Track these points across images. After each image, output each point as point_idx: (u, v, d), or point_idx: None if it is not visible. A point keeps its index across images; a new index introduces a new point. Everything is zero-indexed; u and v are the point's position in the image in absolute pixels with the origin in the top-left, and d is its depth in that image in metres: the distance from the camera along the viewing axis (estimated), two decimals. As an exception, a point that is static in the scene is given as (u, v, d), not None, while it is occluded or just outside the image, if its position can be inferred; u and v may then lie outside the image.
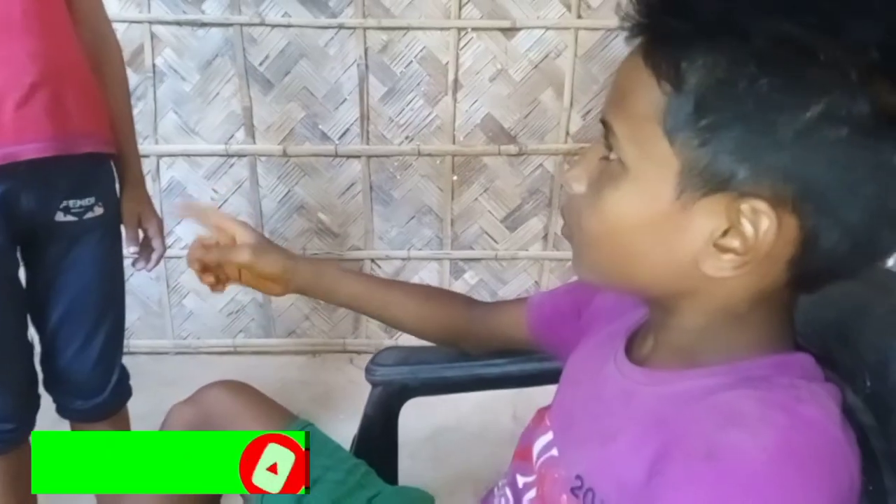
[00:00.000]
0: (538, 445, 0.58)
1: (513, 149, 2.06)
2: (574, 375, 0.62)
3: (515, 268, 2.21)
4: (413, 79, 2.02)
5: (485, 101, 2.04)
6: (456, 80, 2.01)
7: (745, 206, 0.42)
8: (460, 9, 1.95)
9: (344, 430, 1.94)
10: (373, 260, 2.20)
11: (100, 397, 1.20)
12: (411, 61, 2.00)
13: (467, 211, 2.15)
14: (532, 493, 0.56)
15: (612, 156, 0.47)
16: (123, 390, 1.24)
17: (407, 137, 2.08)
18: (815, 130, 0.39)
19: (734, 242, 0.43)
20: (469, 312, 0.84)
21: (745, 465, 0.38)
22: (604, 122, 0.48)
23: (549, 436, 0.58)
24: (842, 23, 0.38)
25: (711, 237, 0.44)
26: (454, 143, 2.07)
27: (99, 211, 1.11)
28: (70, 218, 1.08)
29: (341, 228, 2.18)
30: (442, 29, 1.97)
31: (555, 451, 0.56)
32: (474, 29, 1.97)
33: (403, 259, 2.20)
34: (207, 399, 0.86)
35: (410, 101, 2.04)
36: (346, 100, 2.04)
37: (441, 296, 0.87)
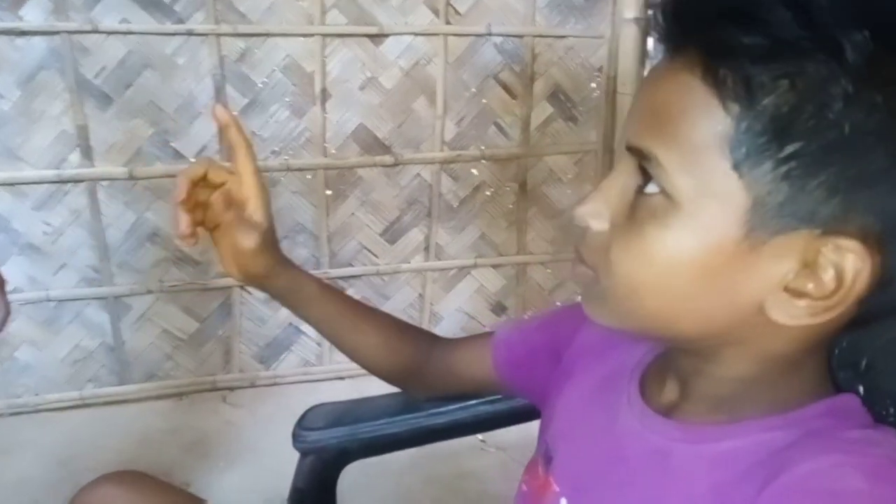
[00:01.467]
0: None
1: (388, 159, 1.98)
2: (574, 427, 0.56)
3: (398, 281, 2.13)
4: (276, 89, 1.87)
5: (356, 110, 1.94)
6: (324, 90, 1.88)
7: (829, 245, 0.38)
8: (323, 14, 1.83)
9: (226, 480, 1.76)
10: (242, 287, 2.01)
11: None
12: (273, 70, 1.85)
13: (344, 226, 2.03)
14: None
15: (652, 188, 0.41)
16: None
17: (273, 152, 1.92)
18: None
19: (809, 285, 0.39)
20: (431, 350, 0.75)
21: None
22: (636, 150, 0.42)
23: (562, 503, 0.51)
24: None
25: (783, 281, 0.39)
26: (325, 155, 1.95)
27: None
28: None
29: (204, 255, 1.97)
30: (305, 36, 1.84)
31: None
32: (340, 35, 1.86)
33: (277, 283, 2.03)
34: (99, 500, 0.70)
35: (275, 113, 1.89)
36: (201, 114, 1.84)
37: (408, 331, 0.78)
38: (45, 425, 1.93)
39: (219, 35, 1.78)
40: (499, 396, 0.77)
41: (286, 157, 1.92)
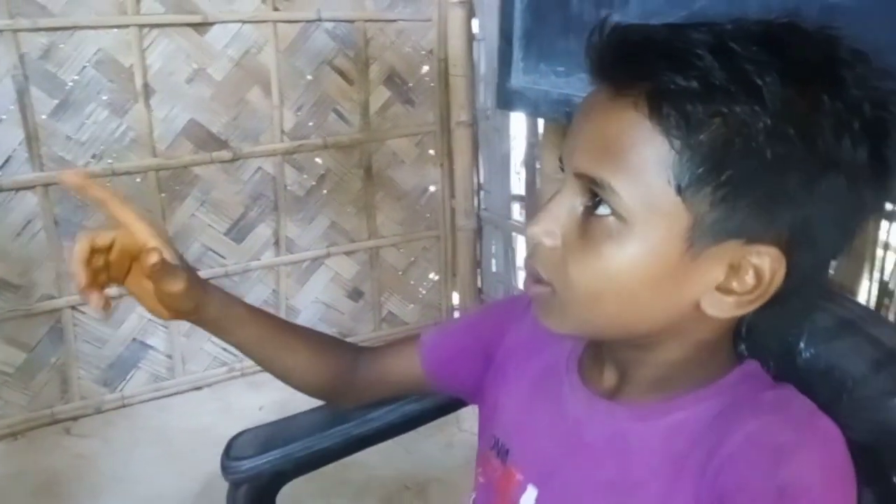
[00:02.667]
0: (525, 501, 0.55)
1: (226, 154, 1.89)
2: (522, 420, 0.60)
3: (249, 281, 2.05)
4: (91, 87, 1.70)
5: (185, 105, 1.82)
6: (146, 85, 1.75)
7: (752, 252, 0.45)
8: (138, 3, 1.68)
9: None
10: (74, 307, 1.83)
11: None
12: (85, 66, 1.68)
13: (184, 229, 1.91)
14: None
15: (603, 210, 0.46)
16: None
17: (94, 156, 1.75)
18: (822, 179, 0.43)
19: (735, 285, 0.46)
20: (356, 361, 0.75)
21: (811, 494, 0.43)
22: (587, 177, 0.47)
23: (532, 492, 0.56)
24: (843, 81, 0.43)
25: (715, 282, 0.46)
26: (155, 155, 1.81)
27: None
28: None
29: (23, 278, 1.76)
30: (118, 27, 1.68)
31: (553, 504, 0.54)
32: (158, 25, 1.73)
33: (114, 297, 1.86)
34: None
35: (92, 114, 1.72)
36: (1, 120, 1.63)
37: (334, 344, 0.76)
38: None
39: (16, 31, 1.59)
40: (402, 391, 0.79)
41: (110, 161, 1.77)
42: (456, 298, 2.37)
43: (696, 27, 0.45)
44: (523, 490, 0.56)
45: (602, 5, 1.29)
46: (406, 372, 0.73)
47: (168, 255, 0.60)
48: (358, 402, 0.78)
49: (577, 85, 1.37)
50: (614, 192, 0.45)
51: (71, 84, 1.68)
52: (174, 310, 0.62)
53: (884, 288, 1.09)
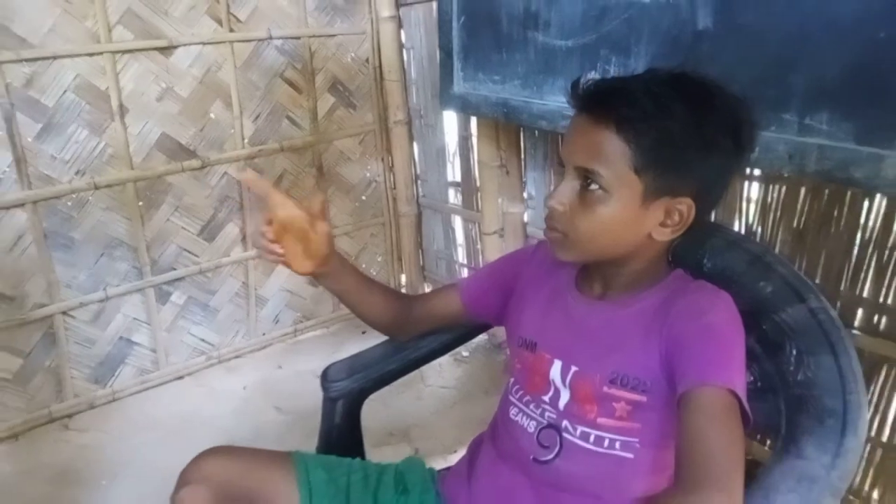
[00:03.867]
0: (554, 372, 0.88)
1: (195, 163, 2.09)
2: (543, 324, 0.92)
3: (221, 275, 2.26)
4: (71, 110, 1.86)
5: (156, 121, 2.00)
6: (121, 105, 1.92)
7: (678, 202, 0.80)
8: (109, 32, 1.86)
9: (117, 492, 1.84)
10: (65, 312, 1.98)
11: None
12: (65, 92, 1.84)
13: (161, 233, 2.10)
14: (565, 399, 0.87)
15: (594, 187, 0.80)
16: None
17: (78, 172, 1.91)
18: (710, 158, 0.78)
19: (668, 221, 0.81)
20: (410, 305, 1.06)
21: (719, 306, 0.80)
22: (583, 169, 0.80)
23: (557, 364, 0.89)
24: (714, 102, 0.78)
25: (658, 220, 0.81)
26: (132, 168, 1.99)
27: None
28: None
29: (16, 290, 1.90)
30: (93, 54, 1.85)
31: (576, 368, 0.87)
32: (129, 51, 1.90)
33: (101, 300, 2.04)
34: (211, 474, 0.90)
35: (73, 134, 1.88)
36: (-9, 144, 1.77)
37: (394, 293, 1.09)
38: None
39: (0, 63, 1.72)
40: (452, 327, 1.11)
41: (92, 176, 1.93)
42: (403, 278, 2.68)
43: (634, 79, 0.81)
44: (552, 364, 0.89)
45: (527, 27, 1.63)
46: (448, 309, 1.05)
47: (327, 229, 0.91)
48: (410, 334, 1.09)
49: (511, 90, 1.70)
50: (600, 175, 0.79)
51: (53, 108, 1.83)
52: (316, 259, 0.91)
53: (748, 224, 1.53)
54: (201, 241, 2.19)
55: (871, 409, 1.43)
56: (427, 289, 2.66)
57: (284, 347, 2.48)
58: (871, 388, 1.42)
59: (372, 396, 1.11)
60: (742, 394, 0.74)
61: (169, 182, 2.07)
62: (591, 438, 0.85)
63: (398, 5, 2.29)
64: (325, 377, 1.05)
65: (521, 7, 1.61)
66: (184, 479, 0.92)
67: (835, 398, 0.77)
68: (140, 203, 2.04)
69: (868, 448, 1.47)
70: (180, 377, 2.27)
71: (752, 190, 1.52)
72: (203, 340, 2.30)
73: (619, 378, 0.83)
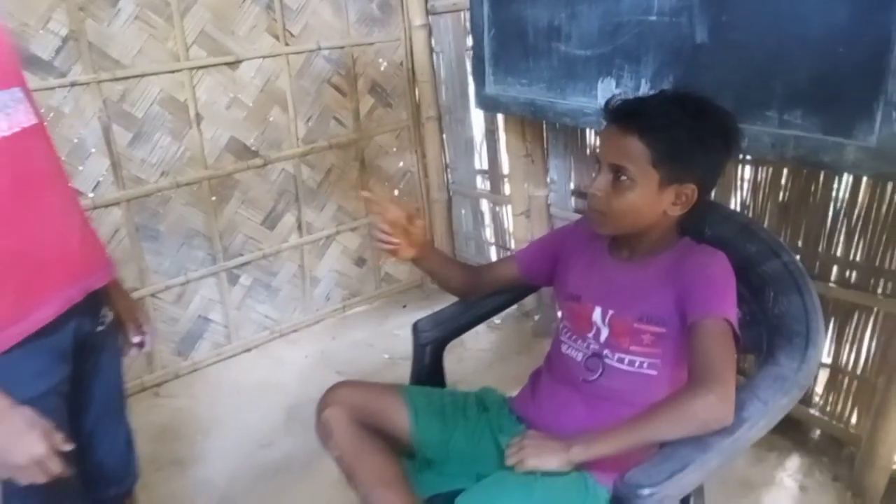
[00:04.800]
0: (595, 315, 1.19)
1: (258, 161, 2.39)
2: (585, 282, 1.23)
3: (280, 259, 2.57)
4: (157, 120, 2.15)
5: (226, 126, 2.30)
6: (197, 114, 2.22)
7: (685, 187, 1.10)
8: (187, 51, 2.15)
9: (213, 445, 2.15)
10: (153, 295, 2.30)
11: (129, 478, 1.32)
12: (152, 104, 2.13)
13: (230, 224, 2.41)
14: (605, 334, 1.18)
15: (623, 178, 1.10)
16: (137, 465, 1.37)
17: (163, 174, 2.21)
18: (709, 154, 1.09)
19: (678, 201, 1.12)
20: (478, 273, 1.38)
21: (717, 262, 1.10)
22: (615, 166, 1.10)
23: (598, 310, 1.19)
24: (710, 114, 1.08)
25: (670, 201, 1.11)
26: (206, 168, 2.29)
27: (110, 316, 1.22)
28: (101, 328, 1.18)
29: (113, 276, 2.21)
30: (174, 71, 2.14)
31: (612, 311, 1.18)
32: (203, 67, 2.20)
33: (182, 284, 2.35)
34: (344, 398, 1.21)
35: (158, 141, 2.18)
36: (92, 153, 2.07)
37: (466, 266, 1.41)
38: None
39: (100, 82, 2.02)
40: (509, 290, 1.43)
41: (174, 176, 2.23)
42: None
43: (650, 98, 1.11)
44: (592, 310, 1.20)
45: (551, 39, 1.92)
46: (508, 275, 1.36)
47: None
48: (478, 294, 1.40)
49: (537, 92, 1.99)
50: (628, 169, 1.09)
51: (142, 119, 2.13)
52: (416, 247, 1.23)
53: (743, 199, 1.83)
54: (264, 229, 2.50)
55: (847, 346, 1.74)
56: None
57: (335, 322, 2.80)
58: (847, 330, 1.73)
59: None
60: (735, 322, 1.05)
61: (237, 179, 2.38)
62: (626, 361, 1.16)
63: (428, 14, 2.58)
64: (416, 328, 1.37)
65: (546, 22, 1.90)
66: (324, 404, 1.23)
67: (800, 324, 1.08)
68: (213, 198, 2.34)
69: (846, 381, 1.78)
70: (248, 350, 2.59)
71: (745, 172, 1.82)
72: (267, 317, 2.61)
73: (645, 317, 1.14)
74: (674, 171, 1.09)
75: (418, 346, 1.37)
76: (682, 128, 1.06)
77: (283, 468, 2.01)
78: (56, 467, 1.04)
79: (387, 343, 2.62)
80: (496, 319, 2.71)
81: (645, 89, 1.68)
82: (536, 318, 2.61)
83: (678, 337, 1.12)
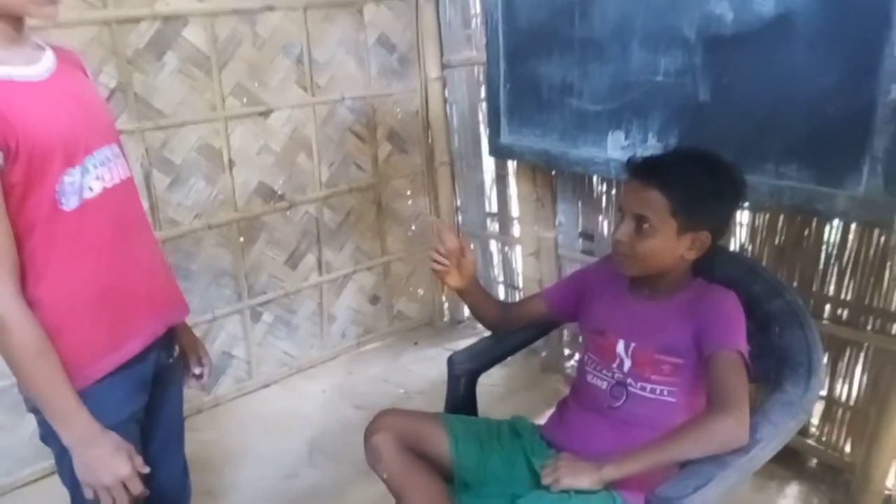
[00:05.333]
0: (619, 348, 1.32)
1: (284, 204, 2.53)
2: (609, 317, 1.37)
3: (301, 297, 2.70)
4: (193, 166, 2.30)
5: (255, 171, 2.45)
6: (230, 160, 2.36)
7: (700, 234, 1.25)
8: (223, 101, 2.30)
9: (240, 476, 2.24)
10: (182, 331, 2.40)
11: (184, 502, 1.42)
12: (190, 151, 2.28)
13: (256, 264, 2.54)
14: (628, 365, 1.31)
15: (645, 226, 1.24)
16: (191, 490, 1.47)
17: (196, 216, 2.34)
18: (720, 207, 1.24)
19: (693, 246, 1.26)
20: (509, 309, 1.51)
21: (729, 300, 1.24)
22: (638, 216, 1.25)
23: (621, 342, 1.33)
24: (720, 169, 1.24)
25: (686, 246, 1.26)
26: (237, 210, 2.43)
27: (177, 349, 1.34)
28: (171, 360, 1.30)
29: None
30: (211, 121, 2.29)
31: (634, 344, 1.31)
32: (237, 117, 2.35)
33: (209, 321, 2.47)
34: (391, 424, 1.33)
35: (194, 185, 2.31)
36: (133, 196, 2.19)
37: (499, 302, 1.56)
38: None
39: (143, 130, 2.16)
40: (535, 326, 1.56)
41: (207, 218, 2.36)
42: (444, 297, 3.12)
43: (667, 156, 1.27)
44: (616, 343, 1.34)
45: (564, 94, 2.09)
46: (536, 312, 1.50)
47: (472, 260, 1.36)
48: (508, 328, 1.54)
49: (550, 142, 2.15)
50: (649, 219, 1.24)
51: (180, 165, 2.27)
52: (464, 279, 1.38)
53: (742, 243, 1.98)
54: (287, 268, 2.63)
55: (841, 380, 1.88)
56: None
57: (350, 358, 2.90)
58: (840, 364, 1.87)
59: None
60: (746, 354, 1.19)
61: (264, 220, 2.51)
62: (648, 389, 1.29)
63: (443, 67, 2.76)
64: (451, 361, 1.49)
65: (560, 79, 2.08)
66: (372, 430, 1.35)
67: (803, 355, 1.22)
68: (241, 239, 2.47)
69: (840, 412, 1.92)
70: (267, 385, 2.69)
71: (744, 217, 1.98)
72: (286, 353, 2.72)
73: (664, 349, 1.27)
74: (690, 220, 1.23)
75: (453, 378, 1.50)
76: (698, 182, 1.22)
77: (309, 498, 2.10)
78: (137, 488, 1.15)
79: (401, 378, 2.73)
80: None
81: (652, 142, 1.85)
82: (543, 354, 2.74)
83: (695, 367, 1.25)
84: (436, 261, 1.39)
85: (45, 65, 1.09)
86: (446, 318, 3.13)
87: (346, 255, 2.78)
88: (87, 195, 1.09)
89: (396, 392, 2.64)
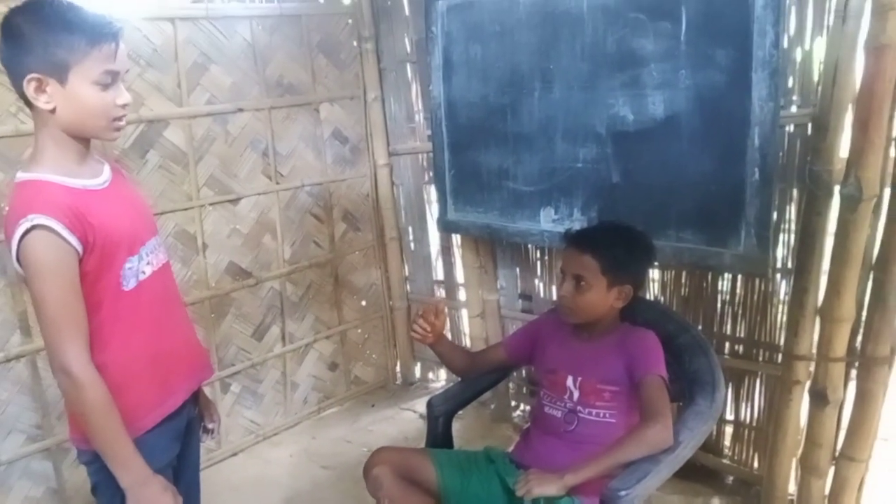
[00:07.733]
0: (569, 382, 1.64)
1: (251, 281, 2.77)
2: (559, 357, 1.69)
3: (266, 367, 2.89)
4: (171, 250, 2.51)
5: (226, 252, 2.69)
6: (203, 243, 2.60)
7: (624, 287, 1.62)
8: (198, 191, 2.56)
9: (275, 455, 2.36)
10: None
11: None
12: (168, 236, 2.50)
13: (225, 337, 2.74)
14: (577, 395, 1.63)
15: (583, 284, 1.60)
16: None
17: (172, 295, 2.54)
18: (638, 265, 1.62)
19: (620, 297, 1.63)
20: (475, 358, 1.82)
21: (650, 337, 1.60)
22: (576, 275, 1.60)
23: (570, 377, 1.65)
24: (639, 240, 1.62)
25: (615, 298, 1.62)
26: (209, 288, 2.64)
27: (197, 406, 1.57)
28: (195, 414, 1.52)
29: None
30: (187, 209, 2.54)
31: (581, 378, 1.63)
32: (211, 204, 2.61)
33: (183, 393, 2.62)
34: (386, 458, 1.58)
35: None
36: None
37: (467, 352, 1.85)
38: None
39: (127, 219, 2.38)
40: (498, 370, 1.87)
41: (182, 297, 2.56)
42: (398, 361, 3.38)
43: (595, 229, 1.66)
44: (566, 378, 1.66)
45: (501, 178, 2.48)
46: (497, 358, 1.82)
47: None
48: (474, 374, 1.85)
49: (491, 218, 2.52)
50: (584, 277, 1.60)
51: (158, 249, 2.48)
52: (438, 336, 1.67)
53: (655, 294, 2.38)
54: (253, 340, 2.84)
55: (744, 404, 2.27)
56: (417, 367, 3.38)
57: (312, 423, 3.09)
58: (742, 391, 2.27)
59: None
60: (666, 378, 1.54)
61: (233, 297, 2.73)
62: (594, 413, 1.61)
63: (390, 155, 3.12)
64: (431, 404, 1.77)
65: (497, 165, 2.47)
66: (371, 464, 1.60)
67: (708, 375, 1.59)
68: (212, 315, 2.68)
69: (746, 432, 2.30)
70: (235, 454, 2.83)
71: (655, 274, 2.40)
72: (252, 421, 2.89)
73: (604, 379, 1.61)
74: (617, 277, 1.60)
75: (432, 418, 1.77)
76: (620, 247, 1.59)
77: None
78: (179, 523, 1.36)
79: (363, 438, 2.94)
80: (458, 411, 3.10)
81: (577, 216, 2.25)
82: (493, 406, 3.03)
83: (628, 393, 1.59)
84: (421, 331, 1.69)
85: (105, 175, 1.35)
86: (399, 381, 3.38)
87: (307, 325, 3.02)
88: (142, 277, 1.34)
89: (360, 451, 2.84)
